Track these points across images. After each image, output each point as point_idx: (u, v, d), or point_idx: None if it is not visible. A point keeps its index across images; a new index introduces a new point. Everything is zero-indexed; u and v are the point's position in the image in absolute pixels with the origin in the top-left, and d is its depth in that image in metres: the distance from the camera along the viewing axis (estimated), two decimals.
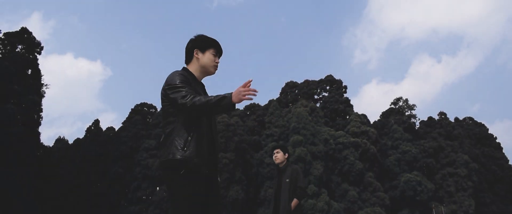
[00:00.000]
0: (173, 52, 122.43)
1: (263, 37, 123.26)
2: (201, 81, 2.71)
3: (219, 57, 2.72)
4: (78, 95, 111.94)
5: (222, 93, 2.27)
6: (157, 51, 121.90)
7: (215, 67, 2.68)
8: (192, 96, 2.30)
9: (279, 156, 5.49)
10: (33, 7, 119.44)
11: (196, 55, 2.66)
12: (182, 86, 2.39)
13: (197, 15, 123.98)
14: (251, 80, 2.28)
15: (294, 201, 5.12)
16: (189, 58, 2.70)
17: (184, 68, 2.67)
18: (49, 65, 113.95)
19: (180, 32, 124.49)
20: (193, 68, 2.68)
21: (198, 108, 2.27)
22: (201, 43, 2.68)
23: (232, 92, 2.25)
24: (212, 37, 2.73)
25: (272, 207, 5.38)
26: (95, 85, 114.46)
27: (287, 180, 5.23)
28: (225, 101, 2.24)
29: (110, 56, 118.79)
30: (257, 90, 2.25)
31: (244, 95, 2.23)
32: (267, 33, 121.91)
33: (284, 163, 5.51)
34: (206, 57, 2.65)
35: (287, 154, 5.57)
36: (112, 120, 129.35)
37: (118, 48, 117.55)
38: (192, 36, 2.70)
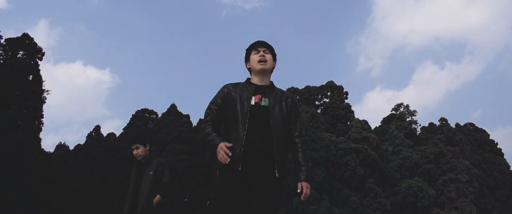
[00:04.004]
0: (182, 61, 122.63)
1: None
2: (267, 82, 2.77)
3: (263, 50, 2.77)
4: (85, 103, 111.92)
5: (216, 139, 2.48)
6: (165, 60, 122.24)
7: (260, 62, 2.71)
8: (207, 118, 2.65)
9: (140, 151, 4.69)
10: (40, 15, 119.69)
11: (248, 66, 2.84)
12: (211, 103, 2.69)
13: (206, 25, 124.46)
14: (232, 145, 2.41)
15: (157, 198, 4.52)
16: (249, 72, 2.88)
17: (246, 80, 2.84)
18: (58, 72, 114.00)
19: (189, 42, 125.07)
20: (252, 76, 2.81)
21: (199, 131, 2.73)
22: (246, 54, 2.85)
23: (220, 144, 2.39)
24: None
25: (128, 203, 4.55)
26: (103, 93, 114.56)
27: (151, 173, 4.56)
28: (210, 148, 2.49)
29: (118, 64, 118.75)
30: (228, 158, 2.35)
31: (219, 155, 2.38)
32: (273, 41, 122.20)
33: (147, 156, 4.76)
34: (251, 61, 2.77)
35: (148, 146, 4.78)
36: (119, 126, 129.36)
37: (126, 57, 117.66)
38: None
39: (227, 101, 2.63)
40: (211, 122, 2.60)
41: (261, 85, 2.71)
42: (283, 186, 2.56)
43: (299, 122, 2.72)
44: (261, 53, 2.72)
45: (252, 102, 2.59)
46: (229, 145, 2.38)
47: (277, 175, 2.46)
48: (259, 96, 2.63)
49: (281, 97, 2.70)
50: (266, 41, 2.81)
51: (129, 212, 4.47)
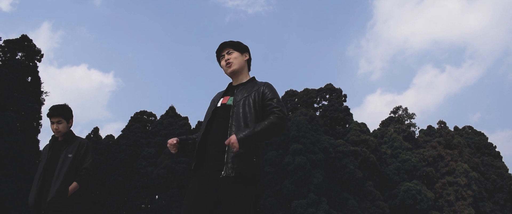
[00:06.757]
0: (183, 64, 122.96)
1: (270, 48, 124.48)
2: (243, 80, 2.77)
3: (227, 52, 2.75)
4: (88, 105, 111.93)
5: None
6: (166, 63, 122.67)
7: (226, 65, 2.72)
8: None
9: (61, 127, 3.92)
10: (43, 17, 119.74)
11: None
12: None
13: (209, 29, 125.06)
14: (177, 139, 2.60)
15: (74, 185, 3.82)
16: None
17: None
18: (62, 75, 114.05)
19: (192, 45, 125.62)
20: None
21: None
22: (218, 61, 2.91)
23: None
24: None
25: (35, 187, 3.78)
26: (106, 95, 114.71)
27: (70, 155, 3.84)
28: None
29: (122, 67, 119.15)
30: (174, 148, 2.59)
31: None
32: (275, 44, 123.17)
33: (67, 133, 3.99)
34: (222, 68, 2.83)
35: (71, 122, 4.05)
36: (120, 129, 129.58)
37: (129, 60, 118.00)
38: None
39: None
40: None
41: (236, 85, 2.73)
42: (256, 189, 2.44)
43: (275, 100, 2.52)
44: (226, 57, 2.73)
45: (219, 104, 2.63)
46: (174, 139, 2.56)
47: (223, 174, 2.31)
48: (227, 97, 2.66)
49: (252, 90, 2.58)
50: (231, 40, 2.80)
51: (36, 198, 3.75)
